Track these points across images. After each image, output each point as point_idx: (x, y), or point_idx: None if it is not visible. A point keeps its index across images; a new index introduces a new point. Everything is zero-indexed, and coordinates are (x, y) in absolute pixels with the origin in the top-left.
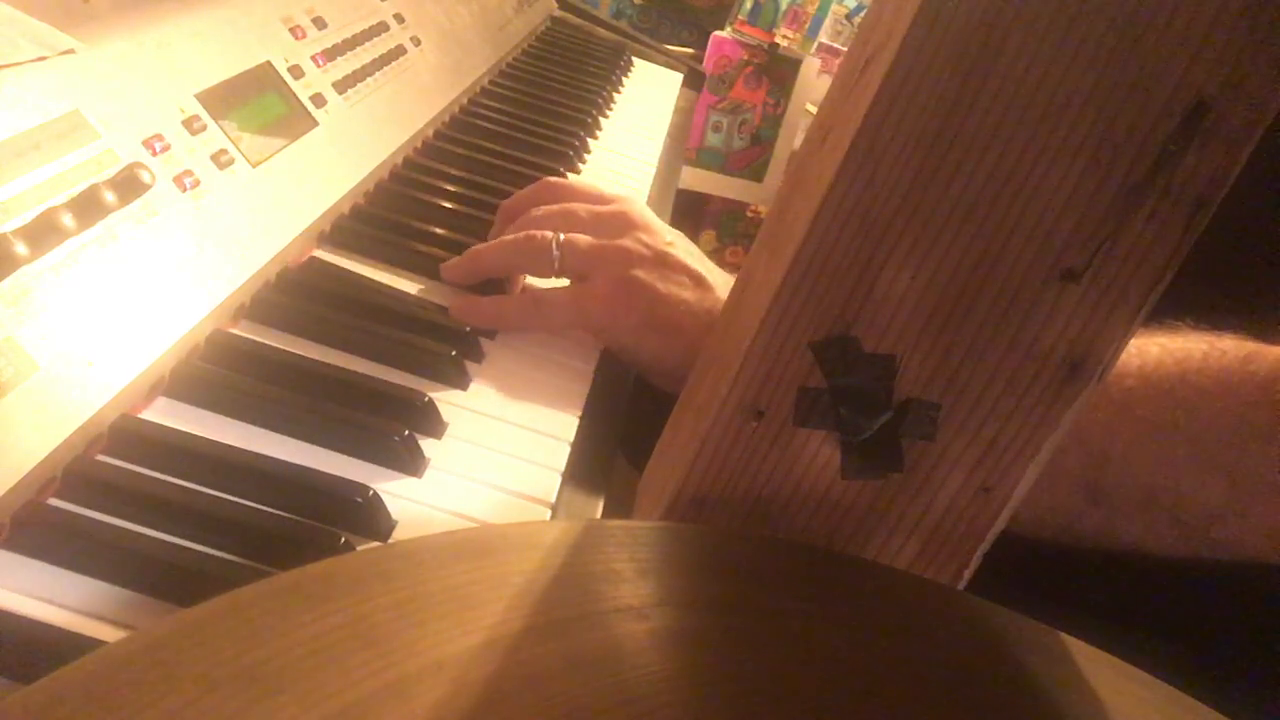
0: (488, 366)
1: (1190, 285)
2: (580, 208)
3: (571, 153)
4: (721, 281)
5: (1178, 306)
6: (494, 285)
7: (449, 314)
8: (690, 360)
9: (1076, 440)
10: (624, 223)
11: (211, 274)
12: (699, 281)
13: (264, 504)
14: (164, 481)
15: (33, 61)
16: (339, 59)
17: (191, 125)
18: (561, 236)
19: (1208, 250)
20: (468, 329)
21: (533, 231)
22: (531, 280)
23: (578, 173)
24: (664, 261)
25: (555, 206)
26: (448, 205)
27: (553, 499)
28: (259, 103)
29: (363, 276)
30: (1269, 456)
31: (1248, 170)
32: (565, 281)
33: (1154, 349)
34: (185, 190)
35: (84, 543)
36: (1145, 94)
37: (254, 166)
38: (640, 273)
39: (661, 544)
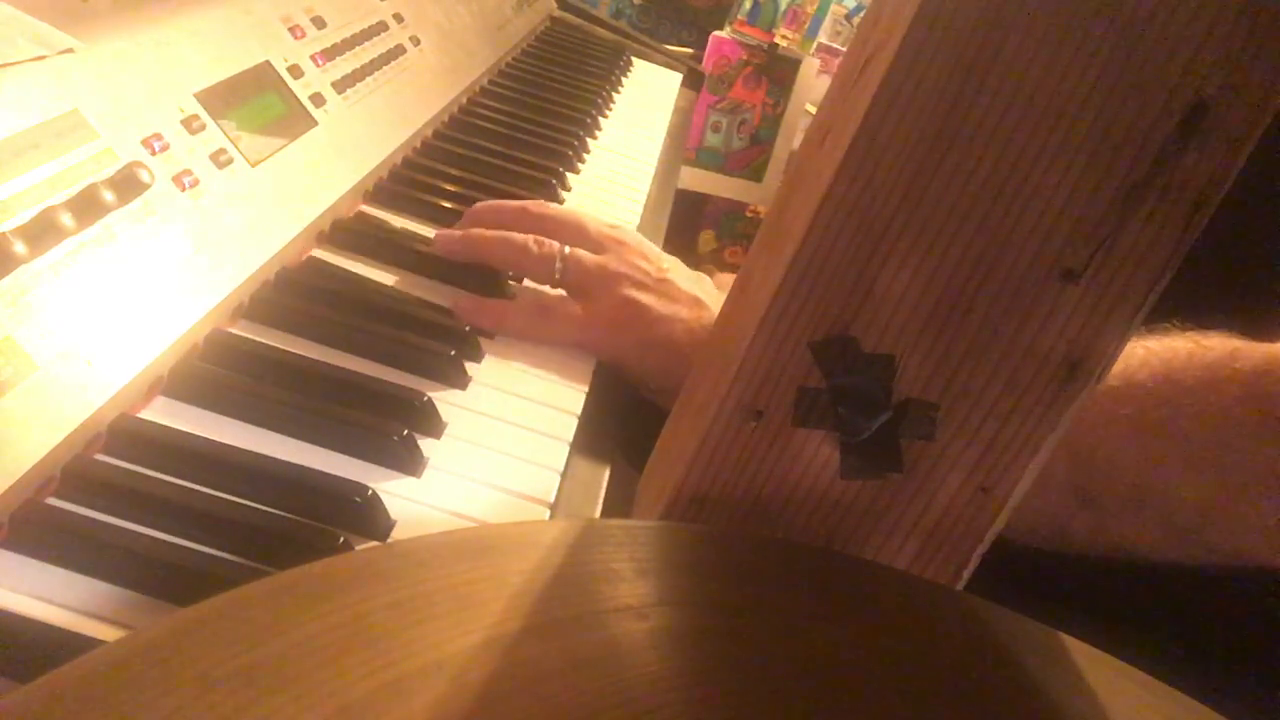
0: (487, 366)
1: (1176, 285)
2: (583, 228)
3: (571, 153)
4: (717, 302)
5: (1165, 307)
6: (488, 283)
7: (452, 311)
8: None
9: (1062, 444)
10: (624, 248)
11: (210, 273)
12: (696, 304)
13: (263, 504)
14: (163, 481)
15: (32, 61)
16: (338, 59)
17: (190, 124)
18: (567, 249)
19: (1194, 249)
20: (467, 328)
21: (540, 238)
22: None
23: (577, 173)
24: (663, 286)
25: (561, 221)
26: (447, 205)
27: (552, 499)
28: (258, 102)
29: (362, 276)
30: (1258, 452)
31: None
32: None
33: (1139, 350)
34: (184, 189)
35: (82, 542)
36: (1145, 94)
37: (253, 166)
38: (641, 295)
39: (660, 544)
